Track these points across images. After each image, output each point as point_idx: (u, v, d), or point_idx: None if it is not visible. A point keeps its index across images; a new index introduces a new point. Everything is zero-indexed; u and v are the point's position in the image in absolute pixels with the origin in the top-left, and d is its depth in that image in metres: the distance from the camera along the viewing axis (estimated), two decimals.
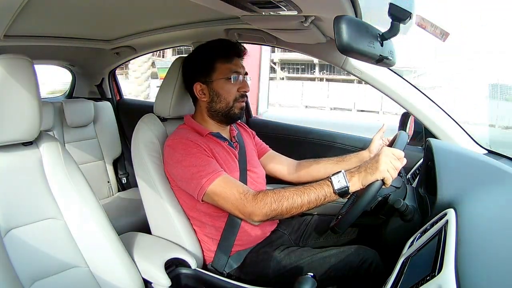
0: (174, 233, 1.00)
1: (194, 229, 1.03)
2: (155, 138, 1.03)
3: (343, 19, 0.67)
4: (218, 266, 1.00)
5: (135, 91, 9.09)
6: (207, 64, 1.00)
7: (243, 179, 1.03)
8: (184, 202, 1.01)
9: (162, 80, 1.14)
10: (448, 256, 0.51)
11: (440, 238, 0.60)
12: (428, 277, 0.51)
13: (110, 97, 2.23)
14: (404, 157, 0.80)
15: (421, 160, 1.17)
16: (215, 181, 0.87)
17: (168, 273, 0.90)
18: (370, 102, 13.56)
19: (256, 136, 1.26)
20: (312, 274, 0.65)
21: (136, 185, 1.30)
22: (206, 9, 0.99)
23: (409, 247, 0.70)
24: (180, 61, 1.09)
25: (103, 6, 1.17)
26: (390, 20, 0.74)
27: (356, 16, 0.87)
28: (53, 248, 0.82)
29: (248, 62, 1.09)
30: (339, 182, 0.78)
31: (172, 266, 0.94)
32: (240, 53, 1.03)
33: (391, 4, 0.71)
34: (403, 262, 0.65)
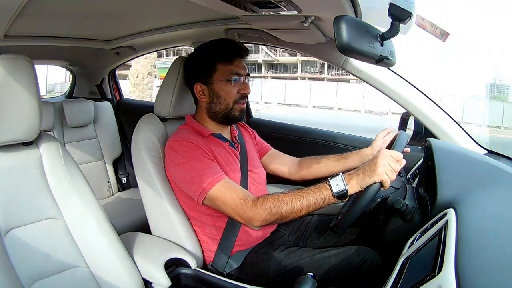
0: (174, 233, 1.00)
1: (194, 229, 1.03)
2: (155, 138, 1.03)
3: (343, 19, 0.67)
4: (218, 266, 1.00)
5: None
6: (208, 64, 1.00)
7: (244, 179, 1.03)
8: (184, 203, 1.01)
9: (162, 80, 1.15)
10: (448, 256, 0.51)
11: (440, 238, 0.60)
12: (428, 277, 0.51)
13: (110, 97, 2.23)
14: (404, 157, 0.80)
15: (421, 160, 1.17)
16: (215, 186, 0.87)
17: (168, 273, 0.90)
18: (352, 101, 13.89)
19: (257, 136, 1.26)
20: (312, 274, 0.65)
21: (136, 185, 1.30)
22: (206, 9, 0.99)
23: (409, 247, 0.70)
24: (180, 61, 1.09)
25: (103, 6, 1.17)
26: (390, 20, 0.74)
27: (356, 16, 0.87)
28: (53, 248, 0.82)
29: None
30: (337, 185, 0.78)
31: (172, 266, 0.94)
32: (242, 53, 1.01)
33: (391, 4, 0.71)
34: (403, 262, 0.65)
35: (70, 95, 2.28)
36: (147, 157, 0.99)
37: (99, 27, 1.51)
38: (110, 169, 2.00)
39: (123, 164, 2.13)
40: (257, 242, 1.04)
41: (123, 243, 0.91)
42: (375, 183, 0.76)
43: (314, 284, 0.62)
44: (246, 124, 1.26)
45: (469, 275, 0.46)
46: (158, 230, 1.05)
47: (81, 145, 1.89)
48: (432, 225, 0.70)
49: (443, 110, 1.20)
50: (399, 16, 0.71)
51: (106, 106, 2.07)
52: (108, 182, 1.99)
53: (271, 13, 0.96)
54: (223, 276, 0.97)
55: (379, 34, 0.77)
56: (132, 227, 1.52)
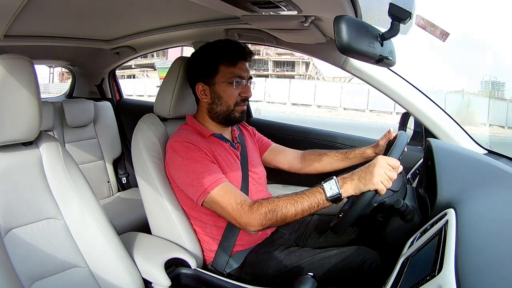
0: (174, 233, 1.00)
1: (195, 229, 1.03)
2: (155, 138, 1.03)
3: (343, 19, 0.67)
4: (218, 266, 1.00)
5: None
6: (211, 65, 0.99)
7: (245, 179, 1.03)
8: (184, 202, 1.01)
9: (162, 80, 1.14)
10: (448, 256, 0.51)
11: (440, 238, 0.60)
12: (428, 277, 0.51)
13: (110, 97, 2.23)
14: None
15: (421, 160, 1.17)
16: (214, 190, 0.87)
17: (168, 273, 0.90)
18: (330, 99, 14.51)
19: (257, 133, 1.26)
20: (312, 274, 0.65)
21: (136, 185, 1.30)
22: (206, 9, 0.99)
23: (409, 247, 0.70)
24: (180, 61, 1.09)
25: (103, 6, 1.17)
26: (390, 20, 0.74)
27: (356, 16, 0.87)
28: (53, 248, 0.82)
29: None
30: (331, 189, 0.78)
31: (172, 266, 0.94)
32: (246, 56, 1.01)
33: (391, 4, 0.71)
34: (403, 262, 0.65)
35: (70, 95, 2.28)
36: (147, 157, 0.99)
37: (99, 27, 1.51)
38: (110, 169, 2.00)
39: (123, 164, 2.13)
40: (257, 242, 1.04)
41: (123, 243, 0.91)
42: (370, 191, 0.76)
43: (314, 284, 0.62)
44: (245, 123, 1.25)
45: (469, 275, 0.46)
46: (158, 230, 1.05)
47: (81, 145, 1.89)
48: (432, 225, 0.70)
49: (443, 110, 1.20)
50: (399, 16, 0.71)
51: (106, 106, 2.06)
52: (108, 182, 1.99)
53: (271, 13, 0.96)
54: (223, 276, 0.97)
55: (379, 34, 0.77)
56: (132, 227, 1.52)
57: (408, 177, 1.18)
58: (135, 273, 0.90)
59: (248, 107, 1.75)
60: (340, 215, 0.89)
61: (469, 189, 0.76)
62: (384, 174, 0.76)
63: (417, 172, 1.17)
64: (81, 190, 0.87)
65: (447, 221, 0.64)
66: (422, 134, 1.29)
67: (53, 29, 1.40)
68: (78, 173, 0.89)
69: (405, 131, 1.24)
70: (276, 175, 1.33)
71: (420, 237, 0.70)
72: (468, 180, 0.80)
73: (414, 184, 1.09)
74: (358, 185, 0.77)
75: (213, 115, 1.03)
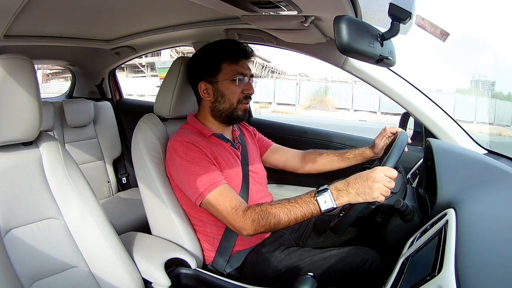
0: (174, 233, 1.00)
1: (195, 229, 1.03)
2: (155, 138, 1.03)
3: (343, 19, 0.67)
4: (218, 266, 1.00)
5: None
6: (213, 63, 1.00)
7: (245, 179, 1.04)
8: (184, 201, 1.01)
9: (162, 80, 1.14)
10: (448, 256, 0.51)
11: (440, 238, 0.59)
12: (428, 277, 0.51)
13: (110, 97, 2.23)
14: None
15: (421, 160, 1.17)
16: (210, 193, 0.88)
17: (168, 273, 0.90)
18: (288, 97, 14.46)
19: (258, 133, 1.26)
20: (312, 274, 0.65)
21: (136, 185, 1.30)
22: (206, 9, 0.99)
23: (409, 247, 0.70)
24: (180, 61, 1.09)
25: (103, 6, 1.17)
26: (390, 20, 0.74)
27: (356, 16, 0.87)
28: (53, 248, 0.82)
29: None
30: (325, 202, 0.78)
31: (172, 266, 0.94)
32: (247, 54, 1.02)
33: (391, 4, 0.71)
34: (403, 262, 0.65)
35: (70, 95, 2.28)
36: (147, 157, 0.99)
37: (99, 27, 1.51)
38: (110, 169, 2.00)
39: (123, 164, 2.13)
40: (257, 242, 1.04)
41: (123, 243, 0.91)
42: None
43: (314, 284, 0.62)
44: (246, 123, 1.26)
45: (469, 275, 0.46)
46: (158, 230, 1.05)
47: (81, 145, 1.89)
48: (432, 225, 0.70)
49: (443, 110, 1.20)
50: (399, 16, 0.71)
51: (106, 106, 2.07)
52: (108, 182, 1.99)
53: (271, 13, 0.96)
54: (223, 276, 0.97)
55: (379, 34, 0.77)
56: (132, 227, 1.52)
57: (408, 177, 1.18)
58: (135, 273, 0.90)
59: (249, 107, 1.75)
60: (341, 215, 0.90)
61: (469, 189, 0.76)
62: (383, 187, 0.76)
63: (417, 172, 1.17)
64: (81, 190, 0.87)
65: (447, 221, 0.64)
66: (422, 134, 1.29)
67: (53, 29, 1.40)
68: (78, 173, 0.89)
69: (405, 131, 1.24)
70: (276, 175, 1.33)
71: (420, 237, 0.70)
72: (468, 180, 0.80)
73: (414, 184, 1.09)
74: (356, 198, 0.77)
75: (215, 114, 1.03)
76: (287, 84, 14.89)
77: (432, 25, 1.08)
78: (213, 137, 1.02)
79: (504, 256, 0.52)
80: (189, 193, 0.91)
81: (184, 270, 0.94)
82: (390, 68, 1.17)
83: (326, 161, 1.18)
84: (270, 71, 17.89)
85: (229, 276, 0.99)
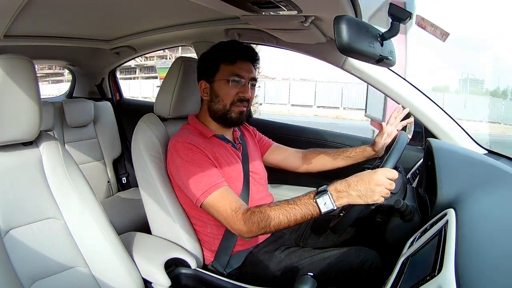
0: (174, 233, 1.00)
1: (195, 229, 1.03)
2: (155, 138, 1.03)
3: (343, 19, 0.67)
4: (218, 266, 1.00)
5: None
6: (213, 63, 1.01)
7: (246, 180, 1.04)
8: (185, 201, 1.01)
9: (162, 80, 1.15)
10: (448, 256, 0.51)
11: (440, 238, 0.59)
12: (428, 277, 0.51)
13: (110, 97, 2.23)
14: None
15: (421, 160, 1.17)
16: (211, 195, 0.87)
17: (168, 273, 0.90)
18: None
19: (258, 133, 1.26)
20: (312, 274, 0.65)
21: (136, 185, 1.30)
22: (206, 9, 0.99)
23: (409, 247, 0.70)
24: (180, 61, 1.09)
25: (103, 6, 1.17)
26: (390, 20, 0.74)
27: (356, 16, 0.87)
28: (53, 248, 0.82)
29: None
30: (325, 204, 0.77)
31: (172, 266, 0.94)
32: (248, 56, 1.01)
33: (391, 4, 0.71)
34: (403, 262, 0.65)
35: (70, 95, 2.28)
36: (147, 157, 0.99)
37: (99, 27, 1.51)
38: (110, 169, 2.00)
39: (123, 164, 2.13)
40: (257, 242, 1.04)
41: (123, 243, 0.91)
42: None
43: (314, 284, 0.62)
44: (246, 124, 1.26)
45: (469, 275, 0.46)
46: (158, 230, 1.05)
47: (81, 145, 1.89)
48: (432, 225, 0.70)
49: (443, 110, 1.20)
50: (399, 16, 0.71)
51: (106, 106, 2.07)
52: (108, 182, 1.99)
53: (271, 13, 0.96)
54: (223, 276, 0.97)
55: (379, 34, 0.77)
56: (132, 227, 1.51)
57: (408, 177, 1.18)
58: (135, 273, 0.90)
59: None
60: (341, 215, 0.90)
61: (469, 189, 0.76)
62: (384, 189, 0.75)
63: (417, 172, 1.17)
64: (81, 190, 0.87)
65: (447, 221, 0.64)
66: (422, 134, 1.29)
67: (53, 29, 1.40)
68: (78, 173, 0.89)
69: (405, 131, 1.24)
70: (276, 175, 1.33)
71: (420, 237, 0.70)
72: (468, 180, 0.80)
73: (414, 184, 1.09)
74: (356, 200, 0.76)
75: (212, 114, 1.03)
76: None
77: (432, 25, 1.09)
78: (214, 138, 1.02)
79: (504, 256, 0.52)
80: (190, 194, 0.91)
81: (184, 270, 0.94)
82: (390, 68, 1.17)
83: (327, 160, 1.19)
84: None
85: (229, 276, 0.99)
